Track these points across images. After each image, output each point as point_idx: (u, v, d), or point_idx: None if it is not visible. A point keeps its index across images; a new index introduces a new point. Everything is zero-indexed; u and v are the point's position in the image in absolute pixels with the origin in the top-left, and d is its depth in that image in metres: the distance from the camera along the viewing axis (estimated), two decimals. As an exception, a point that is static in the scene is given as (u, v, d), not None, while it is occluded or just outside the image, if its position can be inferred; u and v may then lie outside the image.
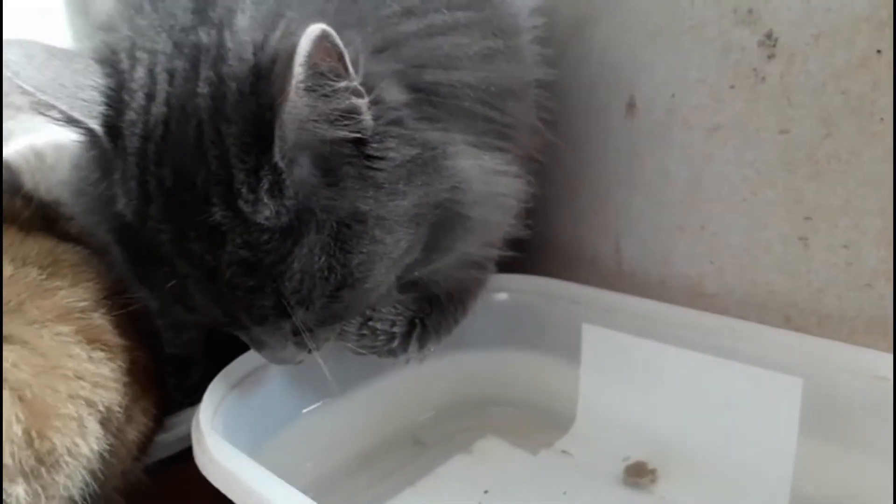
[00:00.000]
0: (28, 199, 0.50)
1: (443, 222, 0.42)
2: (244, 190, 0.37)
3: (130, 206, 0.39)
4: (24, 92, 0.36)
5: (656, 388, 0.53)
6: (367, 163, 0.39)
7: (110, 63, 0.40)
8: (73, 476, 0.41)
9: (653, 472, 0.52)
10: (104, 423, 0.43)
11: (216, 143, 0.37)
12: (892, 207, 0.45)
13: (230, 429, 0.47)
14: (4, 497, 0.38)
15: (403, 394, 0.58)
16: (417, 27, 0.42)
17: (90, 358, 0.42)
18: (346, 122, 0.37)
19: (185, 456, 0.51)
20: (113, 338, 0.44)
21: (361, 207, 0.39)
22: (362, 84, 0.37)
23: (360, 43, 0.38)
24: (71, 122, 0.38)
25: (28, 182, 0.54)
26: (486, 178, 0.44)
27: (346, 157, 0.38)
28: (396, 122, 0.40)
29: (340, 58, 0.35)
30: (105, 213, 0.40)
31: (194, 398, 0.51)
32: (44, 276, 0.43)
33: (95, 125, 0.38)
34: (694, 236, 0.54)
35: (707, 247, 0.54)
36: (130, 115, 0.38)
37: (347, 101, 0.37)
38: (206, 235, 0.38)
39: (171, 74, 0.39)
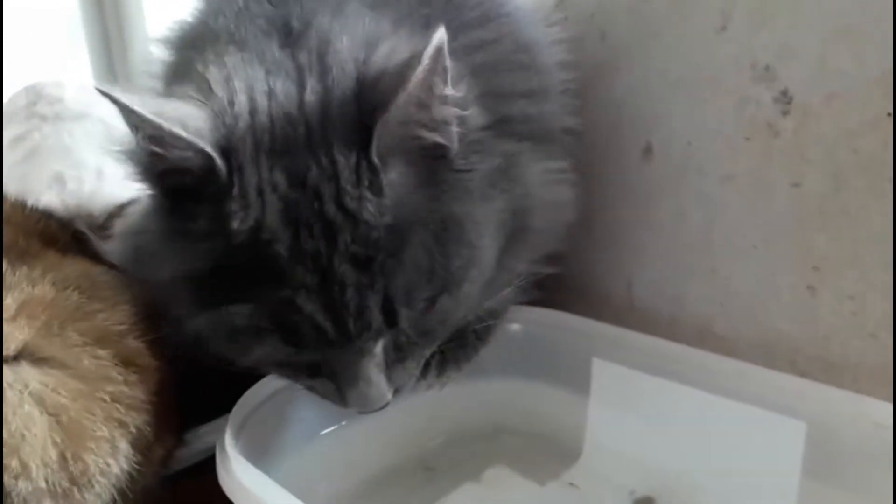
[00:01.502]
0: (63, 222, 0.52)
1: (513, 233, 0.47)
2: (349, 187, 0.40)
3: (249, 217, 0.40)
4: (144, 121, 0.39)
5: (664, 424, 0.55)
6: (456, 174, 0.43)
7: (208, 96, 0.42)
8: (102, 494, 0.43)
9: (658, 507, 0.54)
10: (134, 443, 0.44)
11: (323, 144, 0.41)
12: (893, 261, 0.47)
13: (252, 449, 0.48)
14: None
15: (415, 420, 0.59)
16: (485, 60, 0.48)
17: (126, 381, 0.44)
18: (440, 131, 0.42)
19: (196, 470, 0.54)
20: (146, 360, 0.46)
21: (457, 211, 0.43)
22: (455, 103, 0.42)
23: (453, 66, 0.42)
24: (187, 147, 0.40)
25: (59, 208, 0.56)
26: (548, 185, 0.49)
27: (437, 165, 0.43)
28: (479, 141, 0.45)
29: (446, 72, 0.40)
30: (185, 255, 0.42)
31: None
32: (84, 300, 0.44)
33: (209, 148, 0.40)
34: (705, 279, 0.56)
35: (717, 290, 0.56)
36: (239, 132, 0.41)
37: (444, 112, 0.41)
38: (320, 234, 0.40)
39: (269, 93, 0.42)
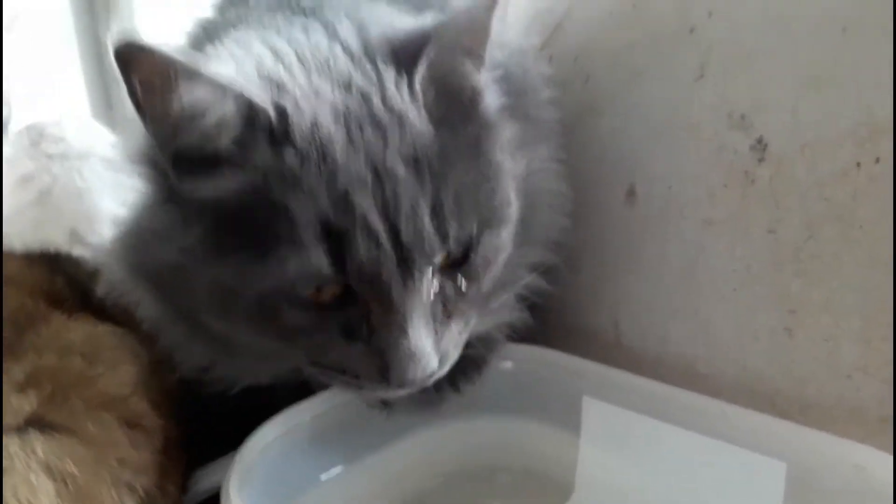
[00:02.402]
0: (72, 281, 0.54)
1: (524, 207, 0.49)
2: (394, 89, 0.42)
3: (305, 119, 0.41)
4: (188, 73, 0.38)
5: (651, 461, 0.57)
6: (490, 126, 0.46)
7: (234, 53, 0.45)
8: (109, 554, 0.45)
9: (646, 542, 0.55)
10: (141, 503, 0.47)
11: (365, 58, 0.43)
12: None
13: (256, 495, 0.50)
14: None
15: (413, 461, 0.61)
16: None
17: (131, 443, 0.46)
18: (480, 74, 0.45)
19: None
20: (151, 420, 0.48)
21: (493, 154, 0.46)
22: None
23: None
24: (227, 95, 0.40)
25: (70, 267, 0.58)
26: (545, 174, 0.52)
27: (474, 110, 0.46)
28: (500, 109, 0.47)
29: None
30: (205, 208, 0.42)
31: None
32: (86, 365, 0.47)
33: (254, 88, 0.41)
34: (688, 320, 0.58)
35: (700, 331, 0.57)
36: (271, 72, 0.43)
37: (489, 58, 0.44)
38: (371, 132, 0.41)
39: (289, 41, 0.45)
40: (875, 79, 0.47)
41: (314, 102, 0.42)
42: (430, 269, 0.42)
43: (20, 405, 0.43)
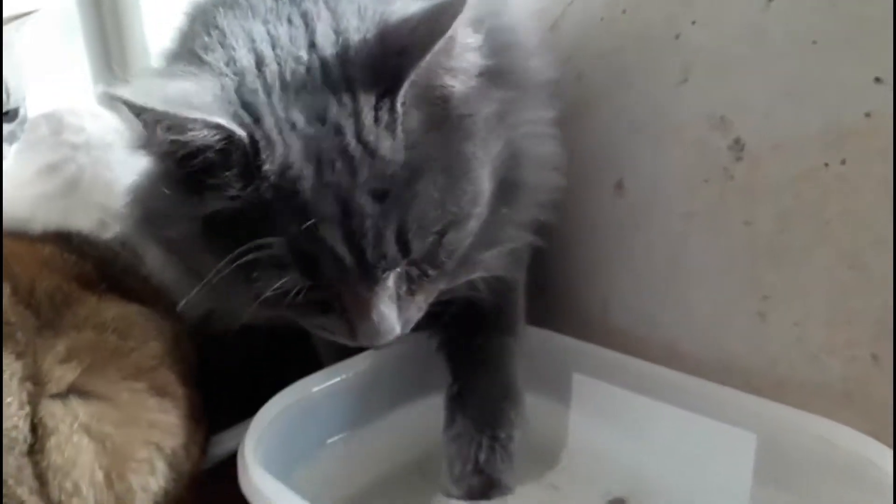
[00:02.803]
0: (99, 265, 0.58)
1: (505, 186, 0.49)
2: (367, 122, 0.42)
3: (276, 159, 0.42)
4: (158, 116, 0.41)
5: (635, 433, 0.61)
6: (462, 117, 0.46)
7: (202, 64, 0.45)
8: (142, 509, 0.50)
9: (630, 507, 0.60)
10: (169, 462, 0.51)
11: (343, 84, 0.43)
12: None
13: (268, 457, 0.54)
14: None
15: (412, 428, 0.65)
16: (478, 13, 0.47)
17: (160, 408, 0.50)
18: (458, 78, 0.44)
19: (216, 472, 0.59)
20: (177, 388, 0.52)
21: (463, 150, 0.45)
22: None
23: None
24: (204, 127, 0.41)
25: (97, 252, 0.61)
26: (538, 138, 0.52)
27: (447, 107, 0.45)
28: (478, 86, 0.46)
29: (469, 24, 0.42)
30: (204, 207, 0.44)
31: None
32: (120, 341, 0.51)
33: (224, 120, 0.42)
34: (671, 304, 0.63)
35: (682, 314, 0.62)
36: (248, 86, 0.43)
37: (467, 59, 0.44)
38: (342, 168, 0.42)
39: (272, 40, 0.45)
40: (842, 87, 0.51)
41: (287, 137, 0.43)
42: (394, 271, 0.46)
43: (63, 375, 0.47)
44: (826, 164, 0.52)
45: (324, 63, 0.44)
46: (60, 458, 0.45)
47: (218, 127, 0.41)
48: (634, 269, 0.65)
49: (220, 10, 0.47)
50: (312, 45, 0.44)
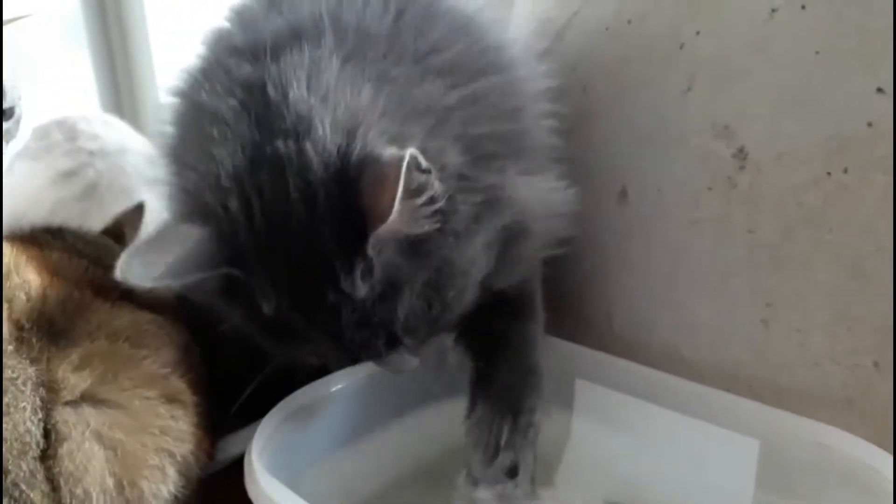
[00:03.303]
0: (107, 268, 0.59)
1: (510, 239, 0.51)
2: (343, 275, 0.44)
3: (270, 305, 0.46)
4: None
5: (636, 439, 0.62)
6: (444, 219, 0.45)
7: (205, 213, 0.46)
8: (153, 515, 0.50)
9: (631, 513, 0.61)
10: (180, 469, 0.52)
11: (315, 241, 0.44)
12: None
13: (275, 462, 0.55)
14: None
15: (419, 434, 0.66)
16: (460, 97, 0.49)
17: (171, 416, 0.51)
18: (428, 207, 0.44)
19: (222, 474, 0.61)
20: (187, 396, 0.53)
21: (447, 256, 0.46)
22: (428, 159, 0.43)
23: (419, 130, 0.46)
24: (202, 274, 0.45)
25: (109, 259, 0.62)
26: (542, 198, 0.53)
27: (427, 227, 0.45)
28: (460, 177, 0.46)
29: (426, 171, 0.42)
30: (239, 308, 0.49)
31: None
32: (133, 350, 0.51)
33: (226, 268, 0.45)
34: (674, 311, 0.63)
35: (684, 321, 0.63)
36: (243, 239, 0.45)
37: (429, 194, 0.43)
38: (326, 313, 0.45)
39: (259, 189, 0.45)
40: (844, 97, 0.52)
41: (276, 287, 0.46)
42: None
43: (77, 383, 0.47)
44: (829, 174, 0.53)
45: (298, 219, 0.44)
46: (72, 464, 0.46)
47: (224, 275, 0.46)
48: (638, 275, 0.66)
49: (215, 130, 0.47)
50: (287, 200, 0.44)
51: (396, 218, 0.42)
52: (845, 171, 0.53)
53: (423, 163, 0.41)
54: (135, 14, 1.28)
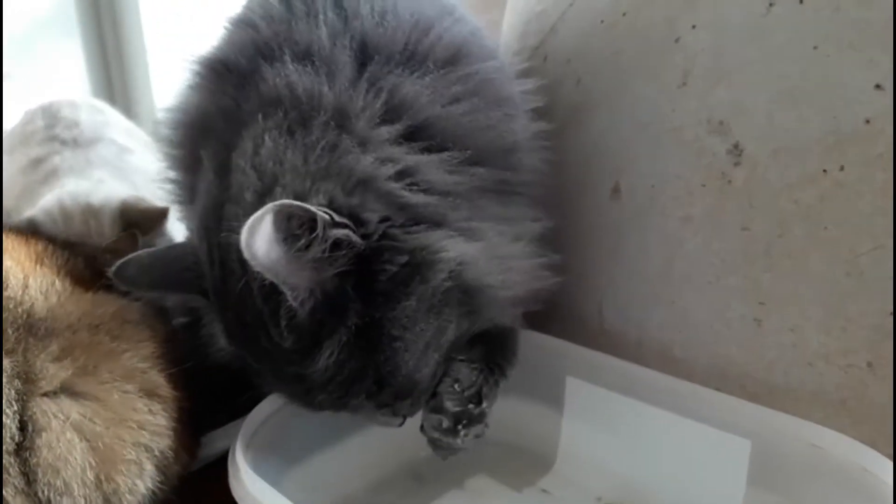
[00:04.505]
0: (88, 258, 0.58)
1: (464, 299, 0.49)
2: (271, 326, 0.47)
3: (221, 341, 0.53)
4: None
5: (628, 438, 0.61)
6: (370, 277, 0.46)
7: (192, 248, 0.52)
8: (130, 510, 0.49)
9: (623, 512, 0.60)
10: (157, 464, 0.50)
11: (248, 294, 0.47)
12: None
13: (259, 460, 0.55)
14: None
15: (407, 433, 0.65)
16: (401, 168, 0.49)
17: (150, 410, 0.50)
18: (340, 253, 0.45)
19: (205, 471, 0.60)
20: (167, 391, 0.52)
21: (373, 315, 0.47)
22: (347, 216, 0.45)
23: (333, 189, 0.46)
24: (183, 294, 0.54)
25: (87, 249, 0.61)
26: (487, 249, 0.50)
27: (351, 279, 0.46)
28: (384, 236, 0.47)
29: (306, 212, 0.42)
30: None
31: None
32: (113, 343, 0.50)
33: (197, 294, 0.52)
34: (666, 308, 0.62)
35: (677, 318, 0.62)
36: (207, 280, 0.51)
37: (330, 239, 0.44)
38: (266, 359, 0.50)
39: (219, 245, 0.49)
40: (842, 92, 0.51)
41: (226, 333, 0.52)
42: None
43: (56, 373, 0.46)
44: (825, 171, 0.52)
45: (238, 276, 0.47)
46: (52, 455, 0.45)
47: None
48: (629, 273, 0.65)
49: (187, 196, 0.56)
50: (231, 260, 0.48)
51: (274, 262, 0.42)
52: (842, 168, 0.52)
53: (301, 206, 0.42)
54: (129, 14, 1.27)
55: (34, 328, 0.48)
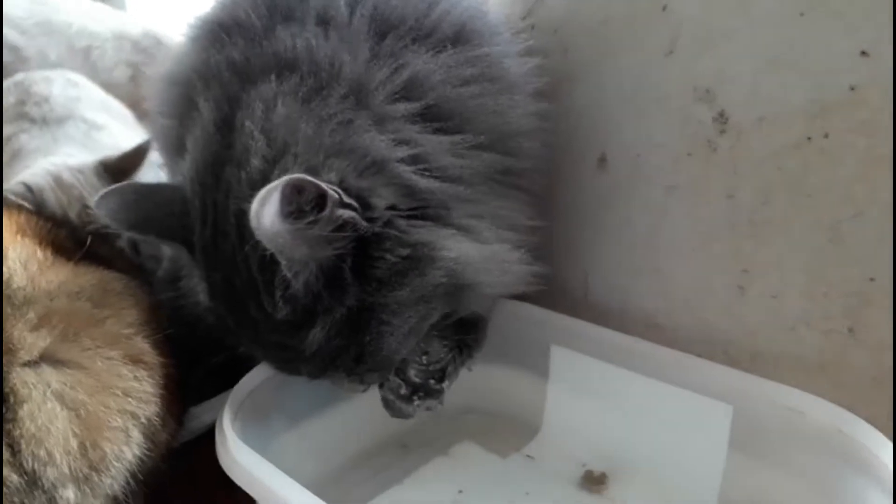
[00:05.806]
0: (72, 229, 0.57)
1: (454, 293, 0.50)
2: (265, 295, 0.46)
3: (206, 299, 0.51)
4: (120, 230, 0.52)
5: (612, 405, 0.62)
6: (369, 262, 0.46)
7: (181, 196, 0.50)
8: (117, 477, 0.49)
9: (606, 477, 0.60)
10: (144, 431, 0.50)
11: (243, 260, 0.46)
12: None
13: (246, 430, 0.55)
14: (56, 498, 0.46)
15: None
16: (412, 154, 0.48)
17: (135, 377, 0.49)
18: (343, 234, 0.44)
19: (193, 444, 0.60)
20: (152, 358, 0.52)
21: (366, 299, 0.47)
22: (355, 197, 0.44)
23: (346, 167, 0.45)
24: (165, 241, 0.53)
25: (54, 205, 0.60)
26: (485, 252, 0.51)
27: (349, 260, 0.46)
28: (388, 223, 0.46)
29: (317, 188, 0.42)
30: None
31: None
32: (95, 309, 0.50)
33: (180, 244, 0.51)
34: (650, 276, 0.63)
35: (661, 286, 0.62)
36: (196, 236, 0.49)
37: (337, 219, 0.43)
38: (250, 326, 0.49)
39: (214, 204, 0.48)
40: (827, 60, 0.51)
41: (205, 273, 0.51)
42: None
43: (35, 342, 0.46)
44: (809, 138, 0.53)
45: (232, 243, 0.47)
46: (34, 426, 0.44)
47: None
48: (615, 242, 0.65)
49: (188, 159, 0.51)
50: (227, 221, 0.47)
51: (278, 235, 0.42)
52: (826, 135, 0.52)
53: (313, 181, 0.42)
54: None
55: (11, 298, 0.48)
